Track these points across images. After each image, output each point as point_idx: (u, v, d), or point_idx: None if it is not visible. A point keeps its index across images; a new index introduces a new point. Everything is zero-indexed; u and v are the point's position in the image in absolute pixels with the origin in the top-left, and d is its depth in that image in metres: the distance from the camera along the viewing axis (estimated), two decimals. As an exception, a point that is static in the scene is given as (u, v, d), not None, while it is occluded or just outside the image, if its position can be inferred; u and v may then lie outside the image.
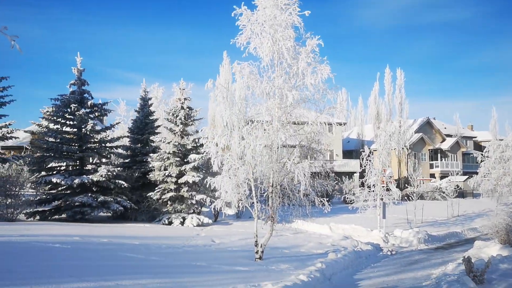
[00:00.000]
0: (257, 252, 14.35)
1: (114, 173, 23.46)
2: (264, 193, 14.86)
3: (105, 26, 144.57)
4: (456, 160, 59.76)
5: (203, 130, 15.10)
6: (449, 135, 62.53)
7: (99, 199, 22.32)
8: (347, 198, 26.93)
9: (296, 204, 14.74)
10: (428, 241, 22.18)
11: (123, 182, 23.71)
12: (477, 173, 47.84)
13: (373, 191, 24.22)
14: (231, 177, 14.28)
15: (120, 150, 27.59)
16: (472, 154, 64.05)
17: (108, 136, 25.56)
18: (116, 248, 13.57)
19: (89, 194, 22.56)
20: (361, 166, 25.97)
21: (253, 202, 14.53)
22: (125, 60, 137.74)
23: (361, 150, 27.19)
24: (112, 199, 22.91)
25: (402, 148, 50.95)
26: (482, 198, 45.29)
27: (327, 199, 14.47)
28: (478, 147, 69.86)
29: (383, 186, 24.23)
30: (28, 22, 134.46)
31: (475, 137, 71.01)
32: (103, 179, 22.87)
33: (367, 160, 24.36)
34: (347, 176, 44.82)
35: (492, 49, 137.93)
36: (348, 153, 54.72)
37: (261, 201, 15.21)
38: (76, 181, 22.25)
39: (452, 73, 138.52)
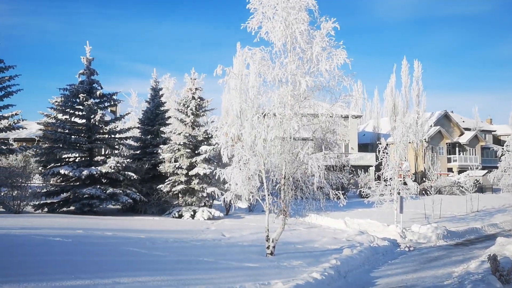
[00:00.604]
0: (268, 248, 13.70)
1: (124, 165, 22.90)
2: (276, 185, 14.17)
3: (119, 20, 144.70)
4: (475, 154, 58.36)
5: (213, 120, 14.38)
6: (467, 129, 61.10)
7: (107, 191, 21.80)
8: (363, 192, 26.24)
9: (309, 198, 14.04)
10: (447, 237, 21.45)
11: (133, 174, 23.18)
12: (496, 168, 46.71)
13: (390, 185, 23.46)
14: (241, 168, 13.65)
15: (130, 142, 27.07)
16: (491, 148, 62.56)
17: (118, 127, 24.93)
18: (120, 242, 12.97)
19: (98, 186, 22.04)
20: (377, 159, 25.27)
21: (264, 195, 13.85)
22: (140, 53, 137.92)
23: (377, 142, 26.43)
24: (121, 191, 22.39)
25: (420, 141, 49.72)
26: (502, 193, 44.23)
27: (342, 192, 13.69)
28: (497, 141, 68.27)
29: (400, 180, 23.44)
30: (45, 16, 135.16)
31: (494, 131, 69.39)
32: (112, 170, 22.34)
33: (383, 152, 23.62)
34: (362, 170, 43.93)
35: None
36: (364, 147, 53.73)
37: (273, 194, 14.54)
38: (85, 172, 21.76)
39: (471, 66, 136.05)
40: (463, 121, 64.08)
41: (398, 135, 25.14)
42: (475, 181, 41.54)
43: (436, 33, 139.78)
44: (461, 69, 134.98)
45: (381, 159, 23.91)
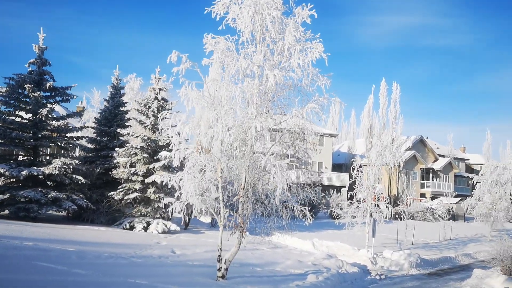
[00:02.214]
0: (219, 270, 11.64)
1: (72, 167, 20.40)
2: (233, 197, 12.18)
3: (101, 27, 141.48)
4: (448, 181, 57.60)
5: (162, 115, 12.35)
6: (441, 155, 60.52)
7: (49, 195, 19.21)
8: (334, 212, 24.65)
9: (272, 214, 12.08)
10: (420, 266, 20.12)
11: (81, 178, 20.66)
12: (469, 196, 45.74)
13: (362, 206, 21.91)
14: (195, 176, 11.65)
15: (83, 142, 24.55)
16: (464, 176, 62.03)
17: (68, 124, 22.31)
18: (37, 255, 10.62)
19: (39, 189, 19.43)
20: (350, 178, 23.77)
21: (219, 208, 11.85)
22: (118, 62, 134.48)
23: (352, 160, 25.00)
24: (65, 196, 19.85)
25: (394, 165, 48.47)
26: (475, 222, 43.25)
27: (310, 208, 11.74)
28: (470, 170, 67.99)
29: (373, 203, 21.94)
30: (28, 19, 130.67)
31: (468, 159, 69.16)
32: (57, 172, 19.81)
33: (358, 170, 22.14)
34: (335, 190, 42.35)
35: (488, 76, 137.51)
36: (338, 167, 52.29)
37: (230, 207, 12.56)
38: (24, 172, 19.13)
39: (446, 97, 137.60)
40: (438, 148, 63.55)
41: (374, 154, 23.52)
42: (449, 209, 40.42)
43: (415, 63, 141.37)
44: (436, 99, 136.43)
45: (355, 178, 22.47)
